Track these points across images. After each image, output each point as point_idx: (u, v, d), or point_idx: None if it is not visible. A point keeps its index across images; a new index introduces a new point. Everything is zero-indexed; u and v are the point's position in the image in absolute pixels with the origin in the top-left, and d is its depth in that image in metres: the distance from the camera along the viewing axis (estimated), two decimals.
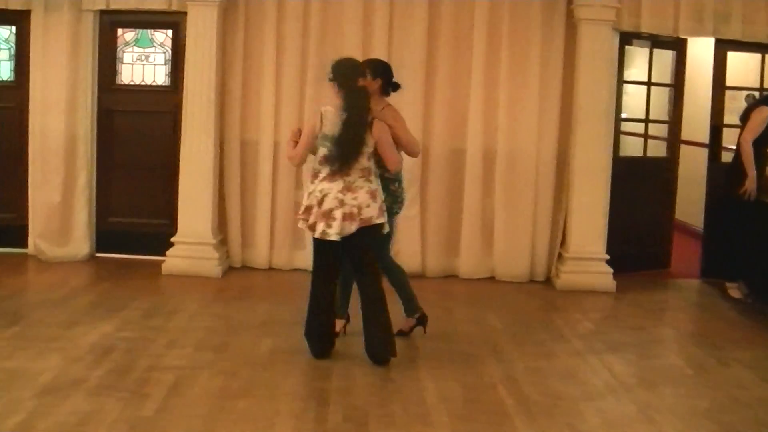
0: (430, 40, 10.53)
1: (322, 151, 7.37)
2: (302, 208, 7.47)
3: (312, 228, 7.37)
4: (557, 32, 10.53)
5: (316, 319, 7.55)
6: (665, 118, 11.57)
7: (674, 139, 11.51)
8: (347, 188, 7.32)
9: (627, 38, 10.70)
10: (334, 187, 7.31)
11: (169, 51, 10.92)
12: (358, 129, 7.32)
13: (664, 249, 11.57)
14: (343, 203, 7.27)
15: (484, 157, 10.56)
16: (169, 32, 10.90)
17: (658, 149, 11.71)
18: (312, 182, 7.47)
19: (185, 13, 10.27)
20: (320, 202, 7.31)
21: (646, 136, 11.43)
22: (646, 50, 11.09)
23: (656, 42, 10.93)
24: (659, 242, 11.52)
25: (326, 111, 7.44)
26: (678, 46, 11.14)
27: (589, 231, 10.46)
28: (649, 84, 11.22)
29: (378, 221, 7.39)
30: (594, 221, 10.48)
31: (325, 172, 7.37)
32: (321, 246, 7.45)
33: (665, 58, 11.32)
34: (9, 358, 7.14)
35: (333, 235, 7.25)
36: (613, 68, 10.57)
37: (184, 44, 10.34)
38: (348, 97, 7.39)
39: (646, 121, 11.38)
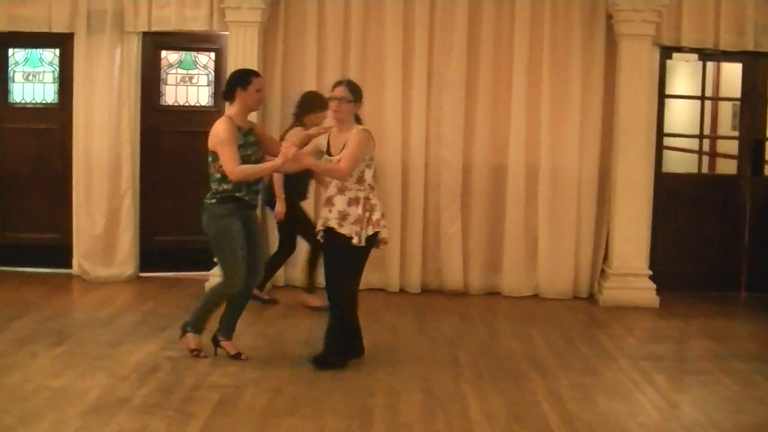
0: (470, 57, 10.56)
1: (372, 167, 7.71)
2: (382, 222, 7.72)
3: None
4: (598, 47, 10.53)
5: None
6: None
7: (744, 156, 11.16)
8: None
9: (669, 52, 10.68)
10: None
11: (212, 73, 11.05)
12: None
13: (732, 269, 11.19)
14: None
15: (527, 173, 10.56)
16: (212, 54, 11.04)
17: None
18: (371, 197, 7.66)
19: (226, 35, 10.37)
20: None
21: (700, 152, 11.35)
22: (691, 63, 11.04)
23: (717, 55, 10.83)
24: (725, 262, 11.16)
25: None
26: (746, 59, 10.89)
27: (632, 246, 10.43)
28: (702, 98, 11.16)
29: None
30: (636, 237, 10.45)
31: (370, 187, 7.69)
32: None
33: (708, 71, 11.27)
34: (56, 376, 7.19)
35: None
36: (654, 83, 10.55)
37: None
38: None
39: (701, 136, 11.35)
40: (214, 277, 10.34)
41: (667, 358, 8.57)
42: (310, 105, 9.39)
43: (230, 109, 7.72)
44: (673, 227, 10.93)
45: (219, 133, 7.53)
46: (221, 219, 7.62)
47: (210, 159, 7.62)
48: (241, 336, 8.34)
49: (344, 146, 7.56)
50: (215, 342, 7.96)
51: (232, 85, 7.75)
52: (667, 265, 10.81)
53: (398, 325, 8.47)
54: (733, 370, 8.03)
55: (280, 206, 9.46)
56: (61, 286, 10.58)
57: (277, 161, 7.54)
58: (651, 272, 10.47)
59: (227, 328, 7.96)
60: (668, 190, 10.86)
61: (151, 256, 11.17)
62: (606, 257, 10.65)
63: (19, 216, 11.21)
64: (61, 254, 11.03)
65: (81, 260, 10.87)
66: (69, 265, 11.03)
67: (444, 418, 6.58)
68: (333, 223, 7.62)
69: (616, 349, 8.62)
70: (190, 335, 7.86)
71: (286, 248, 9.89)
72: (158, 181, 11.13)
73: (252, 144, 7.67)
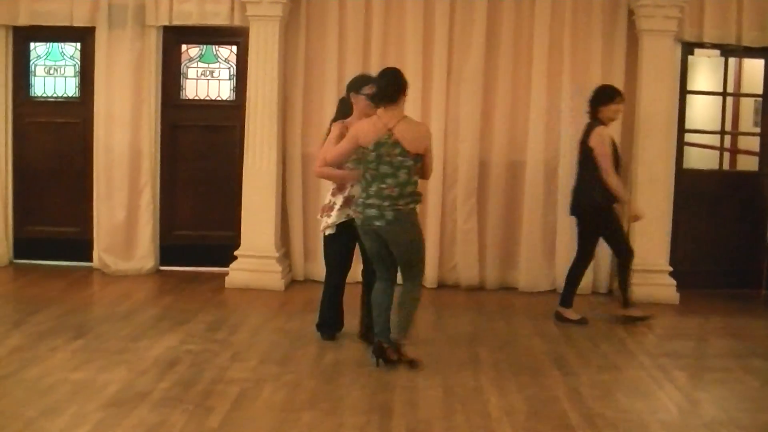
0: (489, 52, 10.52)
1: None
2: None
3: None
4: (619, 43, 10.49)
5: None
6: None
7: (766, 153, 11.05)
8: None
9: (690, 48, 10.63)
10: None
11: (234, 66, 11.03)
12: None
13: (753, 266, 11.05)
14: None
15: (545, 169, 10.52)
16: (234, 48, 11.02)
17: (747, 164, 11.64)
18: None
19: (248, 29, 10.35)
20: None
21: (721, 149, 11.31)
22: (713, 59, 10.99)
23: (739, 51, 10.78)
24: (745, 259, 11.04)
25: None
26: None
27: (652, 243, 10.37)
28: (724, 94, 11.08)
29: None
30: (657, 233, 10.40)
31: None
32: None
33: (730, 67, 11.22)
34: (75, 370, 7.22)
35: None
36: (676, 79, 10.50)
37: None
38: None
39: (722, 133, 11.29)
40: (234, 271, 10.37)
41: (687, 355, 8.53)
42: (605, 98, 9.28)
43: (400, 111, 7.43)
44: (694, 224, 10.86)
45: (431, 135, 7.59)
46: (418, 225, 7.62)
47: (412, 162, 7.38)
48: (260, 331, 8.37)
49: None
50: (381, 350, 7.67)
51: (398, 87, 7.41)
52: (686, 262, 10.76)
53: (416, 320, 8.44)
54: (754, 368, 8.00)
55: (635, 208, 9.53)
56: (81, 279, 10.61)
57: None
58: (671, 269, 10.43)
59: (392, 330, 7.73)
60: (689, 186, 10.80)
61: (170, 250, 11.19)
62: None
63: (40, 210, 11.24)
64: (82, 248, 11.06)
65: (102, 254, 10.89)
66: (90, 259, 11.07)
67: (463, 414, 6.57)
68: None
69: (636, 345, 8.60)
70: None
71: (587, 256, 9.59)
72: (178, 176, 11.14)
73: None
